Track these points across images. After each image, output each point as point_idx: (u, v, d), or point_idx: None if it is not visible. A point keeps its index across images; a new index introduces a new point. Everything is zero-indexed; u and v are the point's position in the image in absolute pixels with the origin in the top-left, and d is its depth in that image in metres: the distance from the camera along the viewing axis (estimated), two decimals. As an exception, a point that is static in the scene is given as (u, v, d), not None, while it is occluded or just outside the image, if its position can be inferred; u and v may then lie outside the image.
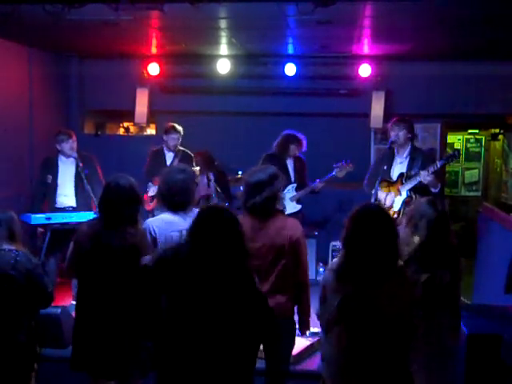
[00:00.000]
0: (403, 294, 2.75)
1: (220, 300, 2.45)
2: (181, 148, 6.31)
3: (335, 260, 2.93)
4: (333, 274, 2.81)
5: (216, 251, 2.48)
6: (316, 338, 4.64)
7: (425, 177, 4.89)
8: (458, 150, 5.05)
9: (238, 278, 2.50)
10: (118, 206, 3.44)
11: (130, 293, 3.34)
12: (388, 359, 2.72)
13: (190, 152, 6.33)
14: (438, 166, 4.92)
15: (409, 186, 5.02)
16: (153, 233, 3.64)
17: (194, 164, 6.18)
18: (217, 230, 2.52)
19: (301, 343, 4.53)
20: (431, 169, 4.90)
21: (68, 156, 5.69)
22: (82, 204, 5.67)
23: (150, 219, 3.80)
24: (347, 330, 2.73)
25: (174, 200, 3.68)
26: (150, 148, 6.39)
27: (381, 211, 2.88)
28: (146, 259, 3.33)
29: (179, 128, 6.25)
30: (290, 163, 6.11)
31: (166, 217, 3.72)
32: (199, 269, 2.47)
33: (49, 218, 5.26)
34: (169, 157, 6.30)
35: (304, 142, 6.05)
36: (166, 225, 3.62)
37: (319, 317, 2.98)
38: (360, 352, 2.71)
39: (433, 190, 4.99)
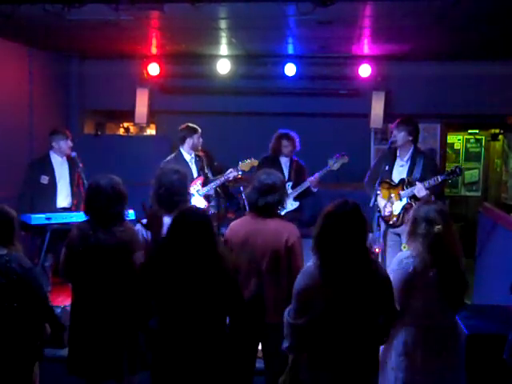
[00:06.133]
0: (380, 283, 2.85)
1: (197, 286, 2.88)
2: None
3: (309, 264, 2.92)
4: (314, 279, 2.82)
5: (188, 249, 2.86)
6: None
7: (419, 191, 4.81)
8: (460, 167, 4.89)
9: (210, 271, 2.88)
10: (102, 206, 3.42)
11: (123, 290, 3.36)
12: (366, 347, 2.85)
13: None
14: (439, 180, 4.80)
15: (408, 193, 4.94)
16: (145, 235, 3.62)
17: (213, 162, 5.93)
18: (189, 231, 2.89)
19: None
20: (429, 183, 4.80)
21: (63, 155, 5.64)
22: (76, 205, 5.61)
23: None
24: (333, 328, 2.78)
25: (172, 200, 3.67)
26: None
27: (351, 210, 2.94)
28: (138, 256, 3.35)
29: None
30: (284, 163, 6.06)
31: None
32: (177, 264, 2.88)
33: (49, 218, 5.25)
34: (189, 160, 5.72)
35: (296, 140, 6.00)
36: None
37: (293, 324, 2.95)
38: (345, 344, 2.79)
39: None
